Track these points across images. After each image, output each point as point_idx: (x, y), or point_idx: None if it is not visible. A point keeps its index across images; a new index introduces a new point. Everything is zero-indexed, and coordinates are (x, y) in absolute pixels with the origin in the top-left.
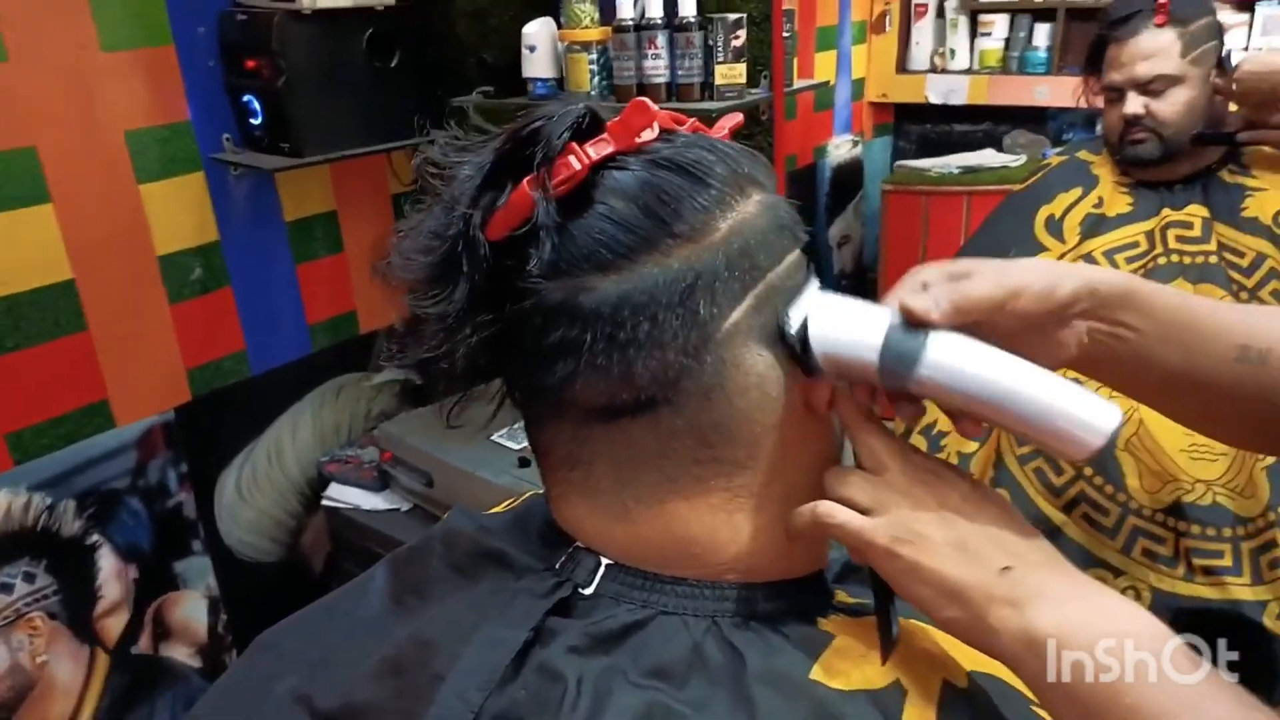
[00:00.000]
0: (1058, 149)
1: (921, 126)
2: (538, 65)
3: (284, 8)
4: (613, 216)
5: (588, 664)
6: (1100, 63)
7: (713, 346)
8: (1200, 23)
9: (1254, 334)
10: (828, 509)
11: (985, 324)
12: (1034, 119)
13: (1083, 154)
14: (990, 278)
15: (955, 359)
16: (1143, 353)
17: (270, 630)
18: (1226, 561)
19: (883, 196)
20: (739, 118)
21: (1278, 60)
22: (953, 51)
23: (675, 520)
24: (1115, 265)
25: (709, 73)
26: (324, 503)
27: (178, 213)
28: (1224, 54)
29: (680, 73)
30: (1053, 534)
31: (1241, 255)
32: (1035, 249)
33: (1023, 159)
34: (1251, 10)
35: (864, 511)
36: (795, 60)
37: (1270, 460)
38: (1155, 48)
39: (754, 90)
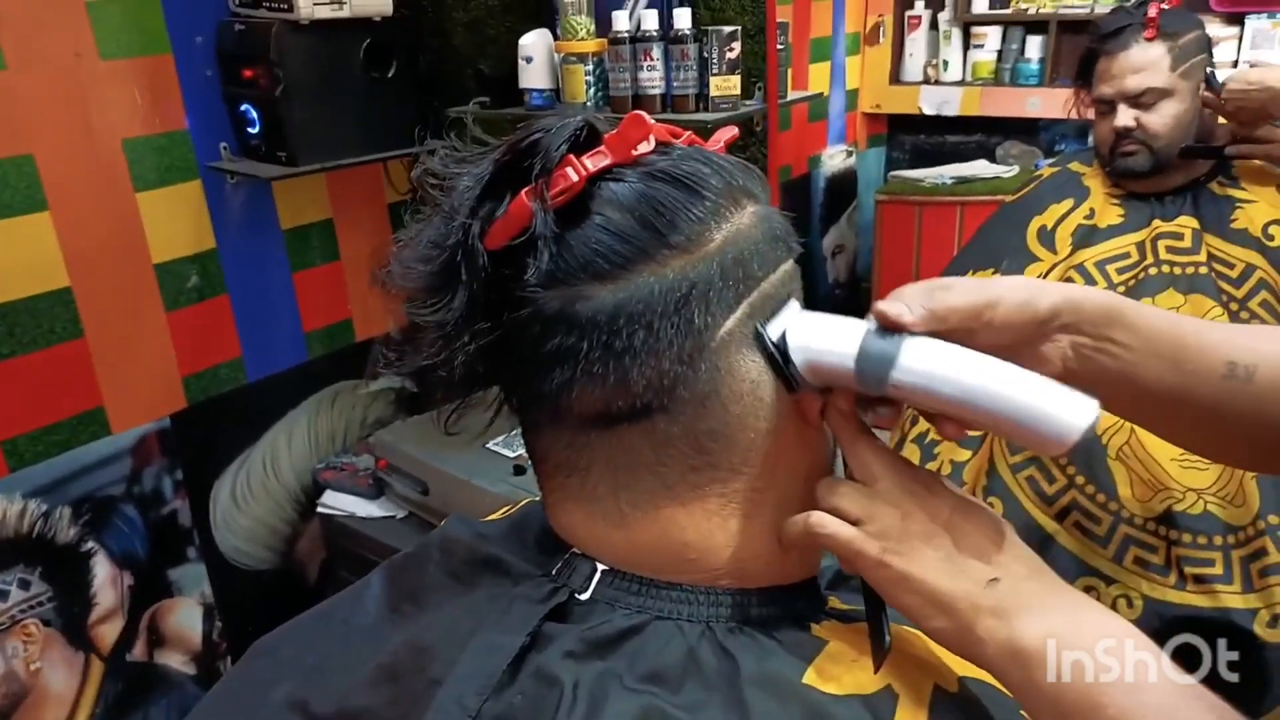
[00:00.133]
0: (1050, 160)
1: (915, 137)
2: (534, 76)
3: (282, 18)
4: (609, 227)
5: (583, 669)
6: (1091, 75)
7: (708, 354)
8: (1189, 37)
9: (1240, 352)
10: (819, 519)
11: (963, 334)
12: (1026, 130)
13: (1074, 165)
14: (969, 288)
15: (929, 361)
16: (1130, 370)
17: (266, 637)
18: (1217, 570)
19: (876, 207)
20: (734, 131)
21: (1265, 75)
22: (946, 63)
23: (671, 526)
24: (1107, 276)
25: (704, 84)
26: (319, 510)
27: (174, 221)
28: (1210, 70)
29: (675, 84)
30: (1045, 542)
31: (1231, 266)
32: (1028, 259)
33: (1015, 170)
34: (1241, 24)
35: (854, 522)
36: (789, 72)
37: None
38: (1145, 61)
39: (748, 102)
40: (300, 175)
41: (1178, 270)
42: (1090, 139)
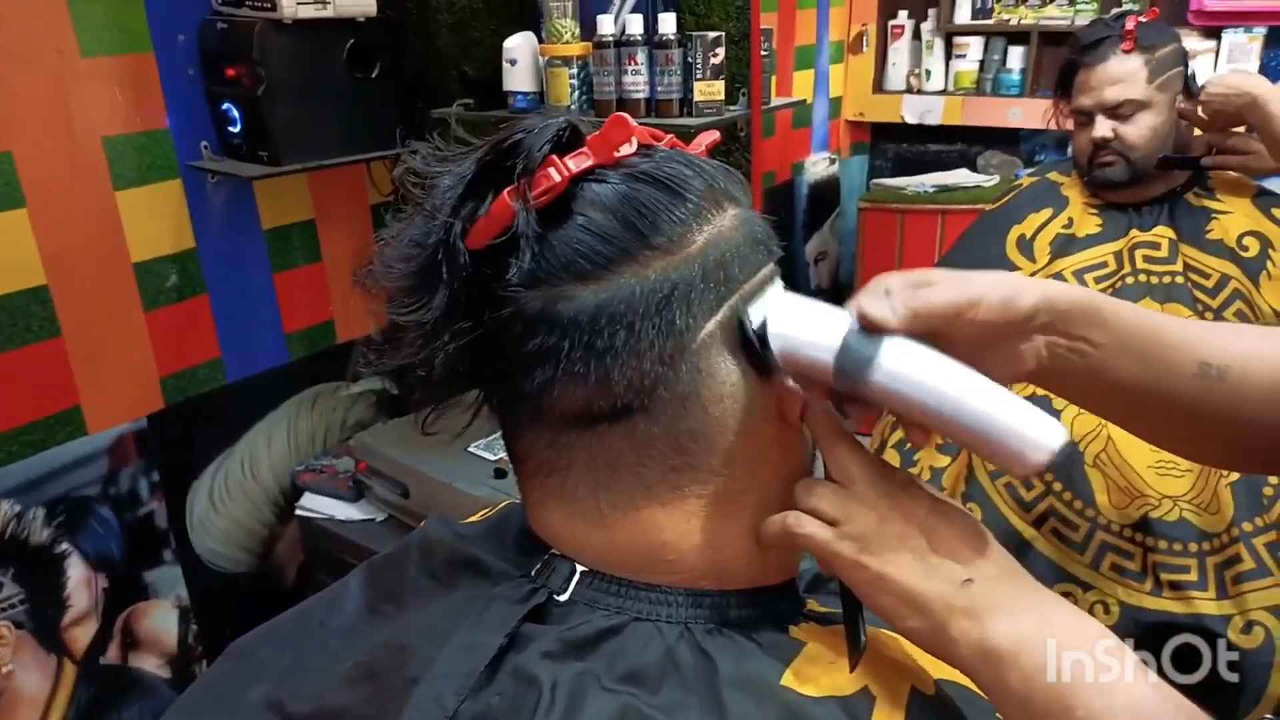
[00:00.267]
0: (1030, 170)
1: (897, 145)
2: (518, 79)
3: (265, 17)
4: (591, 228)
5: (562, 669)
6: (1070, 87)
7: (688, 356)
8: (1166, 49)
9: (1214, 350)
10: (796, 519)
11: (944, 333)
12: (1007, 140)
13: (1053, 175)
14: (951, 286)
15: (908, 366)
16: (1102, 369)
17: (243, 638)
18: (1192, 576)
19: (859, 214)
20: (716, 135)
21: (1241, 81)
22: (928, 72)
23: (650, 526)
24: (1084, 284)
25: (688, 89)
26: (298, 513)
27: (154, 220)
28: (1189, 75)
29: (660, 89)
30: (1022, 549)
31: (1207, 276)
32: (1007, 268)
33: (996, 179)
34: (1218, 37)
35: (832, 523)
36: (773, 78)
37: (1234, 477)
38: (1122, 73)
39: (732, 107)
40: (282, 175)
41: (1154, 279)
42: (1069, 149)
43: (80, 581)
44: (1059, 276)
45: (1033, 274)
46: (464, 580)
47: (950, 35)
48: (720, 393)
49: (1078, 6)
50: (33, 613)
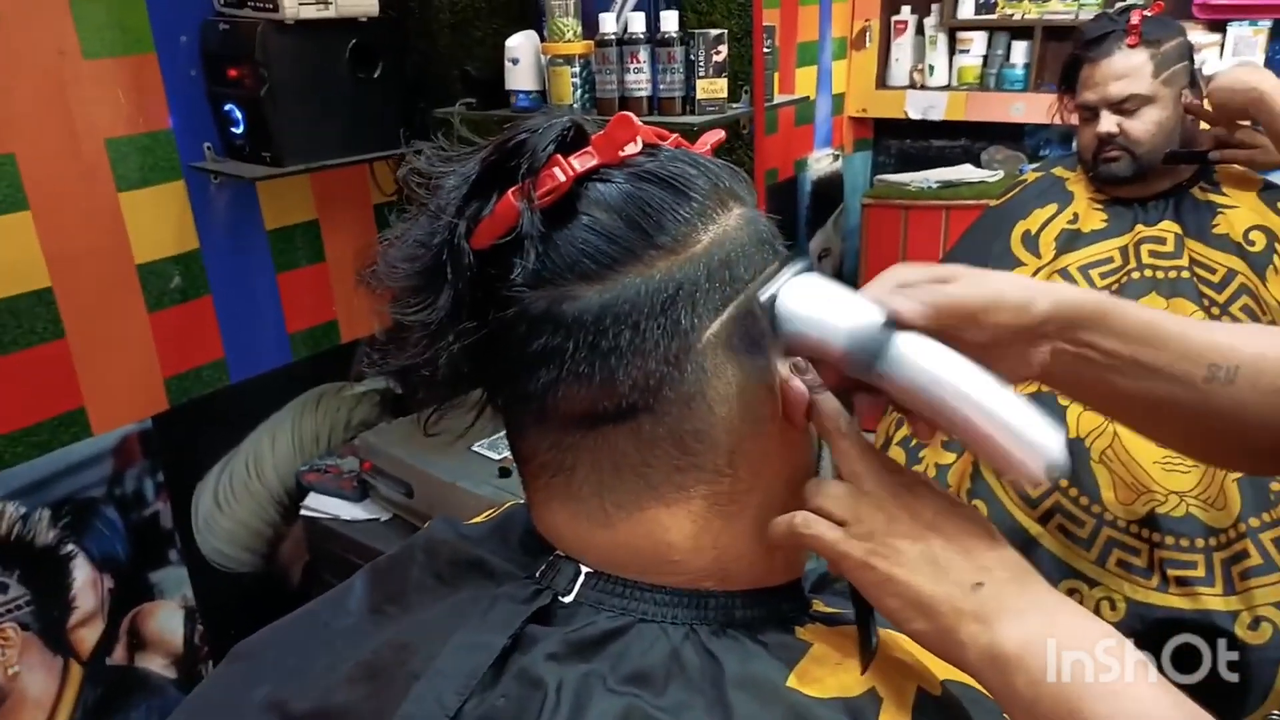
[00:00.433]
0: (1034, 165)
1: (901, 141)
2: (520, 78)
3: (267, 18)
4: (596, 227)
5: (567, 671)
6: (1075, 82)
7: (693, 356)
8: (1171, 44)
9: (1223, 353)
10: (804, 519)
11: (957, 331)
12: (1011, 135)
13: (1058, 170)
14: (970, 285)
15: (922, 358)
16: (1109, 373)
17: (247, 640)
18: (1199, 572)
19: (862, 210)
20: (721, 134)
21: (1248, 76)
22: (932, 68)
23: (655, 527)
24: (1090, 280)
25: (690, 87)
26: (303, 513)
27: (157, 221)
28: (1196, 69)
29: (662, 87)
30: (1028, 545)
31: (1213, 271)
32: (1012, 263)
33: (1000, 174)
34: (1223, 31)
35: (840, 523)
36: (776, 75)
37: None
38: (1128, 68)
39: (735, 105)
40: (285, 176)
41: (1160, 274)
42: (1074, 144)
43: (86, 583)
44: (1064, 272)
45: (1038, 270)
46: (468, 581)
47: (954, 30)
48: (726, 393)
49: (1081, 1)
50: (39, 614)
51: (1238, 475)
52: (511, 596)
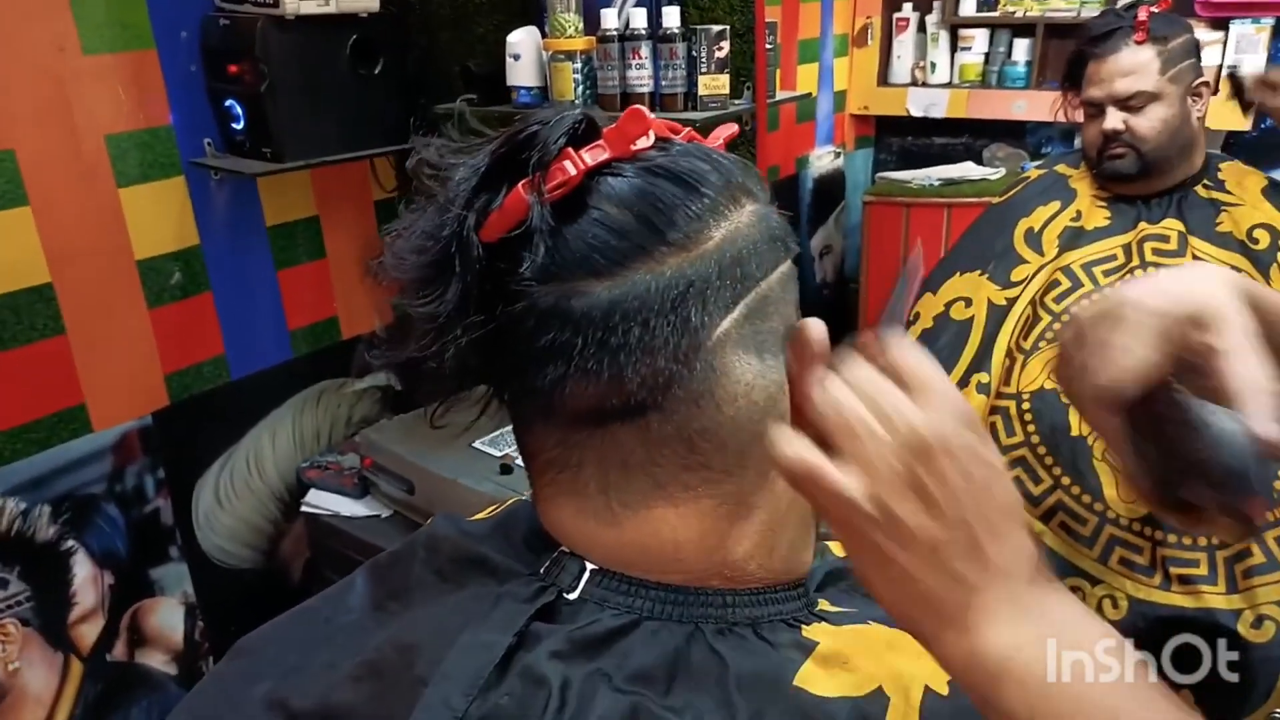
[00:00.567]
0: (1036, 162)
1: (902, 139)
2: (522, 74)
3: (267, 13)
4: (606, 222)
5: (571, 669)
6: (1080, 78)
7: (703, 354)
8: (1179, 41)
9: None
10: (820, 463)
11: None
12: (1013, 133)
13: (1061, 168)
14: None
15: None
16: None
17: (248, 636)
18: (1202, 570)
19: (864, 208)
20: (734, 128)
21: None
22: (933, 65)
23: (662, 525)
24: (1093, 277)
25: (692, 83)
26: (303, 509)
27: (158, 217)
28: (1233, 67)
29: (664, 83)
30: None
31: None
32: (1015, 261)
33: (1002, 172)
34: (1225, 28)
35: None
36: (778, 72)
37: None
38: (1135, 64)
39: (737, 101)
40: (285, 172)
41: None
42: (1076, 141)
43: (86, 579)
44: (1067, 270)
45: (1040, 267)
46: (471, 578)
47: (955, 28)
48: (735, 392)
49: None
50: (39, 610)
51: None
52: (515, 594)
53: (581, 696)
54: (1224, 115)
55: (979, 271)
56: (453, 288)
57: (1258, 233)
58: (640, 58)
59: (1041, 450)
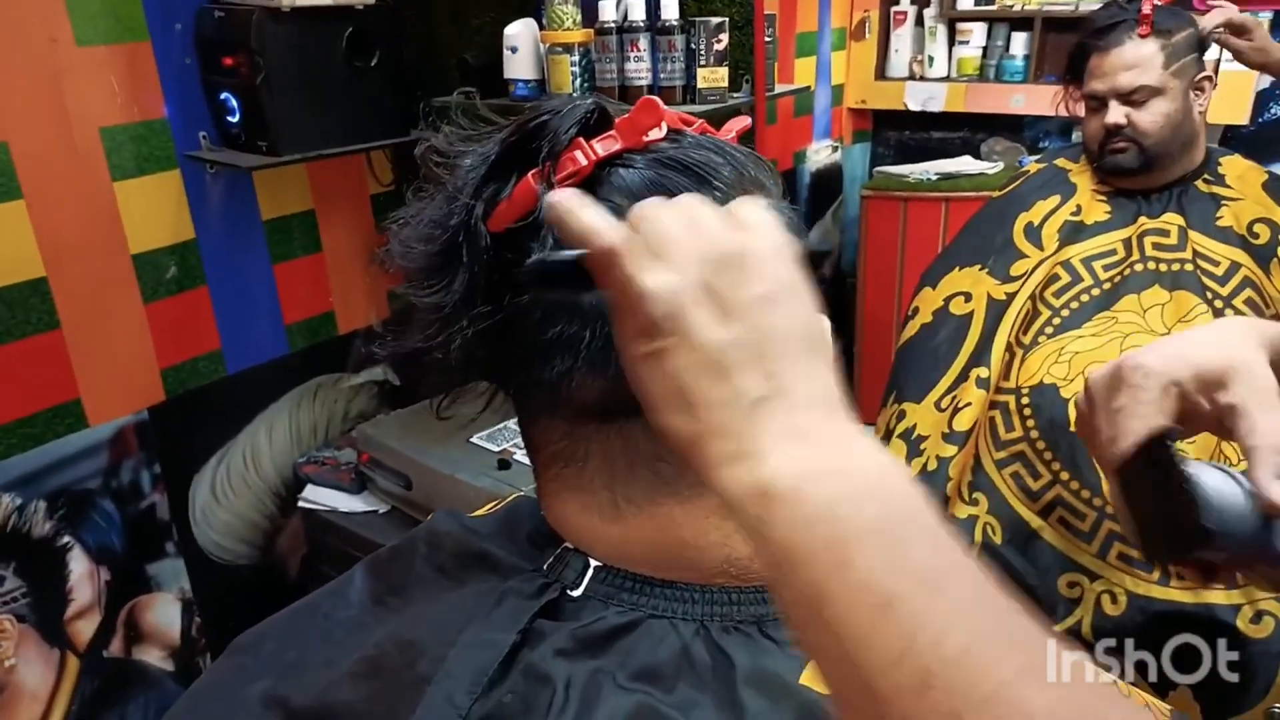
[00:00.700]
0: (1036, 156)
1: (900, 133)
2: (519, 66)
3: (263, 5)
4: (617, 214)
5: (575, 667)
6: (1081, 71)
7: None
8: (1182, 35)
9: None
10: (622, 252)
11: None
12: (1011, 127)
13: (1061, 162)
14: None
15: None
16: None
17: (246, 633)
18: None
19: (862, 202)
20: (746, 121)
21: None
22: (931, 59)
23: (668, 522)
24: (1093, 272)
25: (691, 76)
26: (300, 505)
27: (153, 211)
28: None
29: (662, 75)
30: (1029, 538)
31: (1216, 264)
32: (1014, 255)
33: (1000, 166)
34: None
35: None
36: (776, 65)
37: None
38: (1138, 58)
39: (736, 94)
40: (281, 165)
41: (1163, 267)
42: (1074, 135)
43: (83, 575)
44: (1067, 264)
45: (1040, 262)
46: (474, 574)
47: (953, 21)
48: None
49: None
50: (35, 606)
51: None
52: (519, 591)
53: (586, 694)
54: (1223, 109)
55: (978, 266)
56: (460, 278)
57: (1258, 227)
58: (639, 50)
59: (1041, 445)
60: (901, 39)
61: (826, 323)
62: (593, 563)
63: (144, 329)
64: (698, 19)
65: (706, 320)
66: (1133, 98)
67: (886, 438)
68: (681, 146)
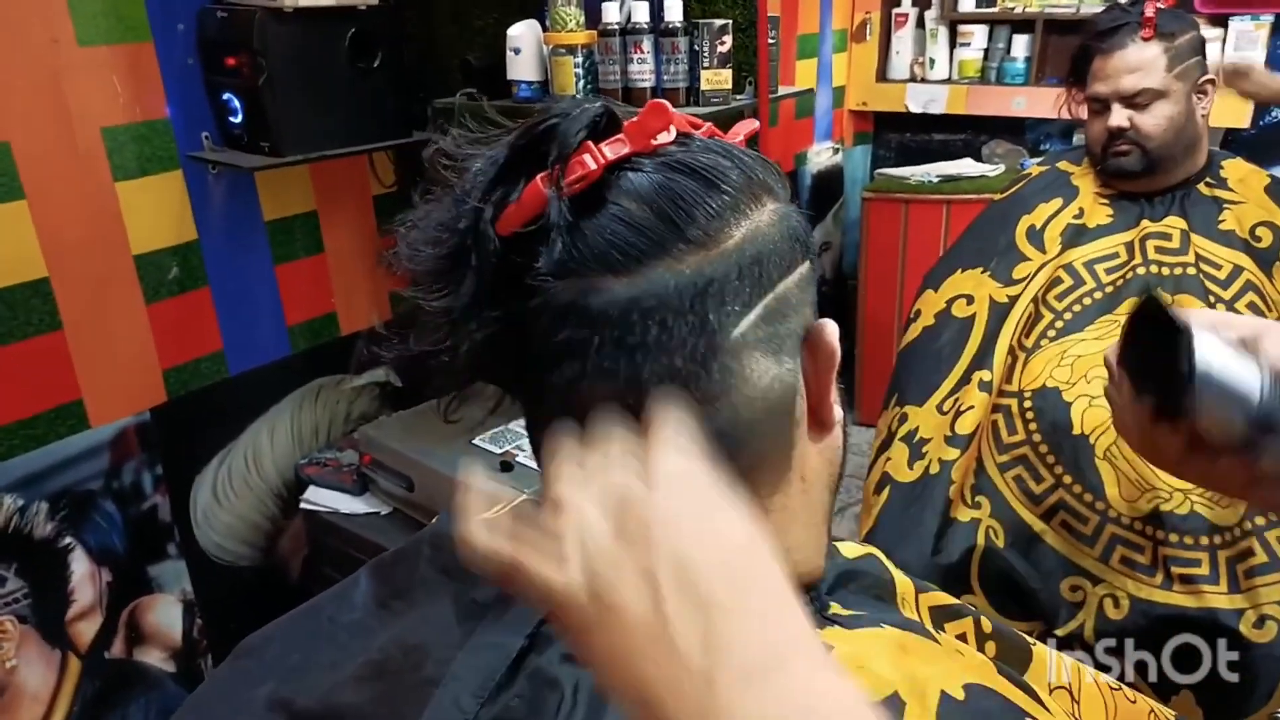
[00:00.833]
0: (1037, 159)
1: (901, 135)
2: (522, 68)
3: (265, 6)
4: (625, 218)
5: (583, 671)
6: (1084, 74)
7: (721, 355)
8: (1185, 38)
9: None
10: (515, 564)
11: None
12: (1011, 129)
13: (1063, 165)
14: None
15: None
16: None
17: (251, 636)
18: (1204, 570)
19: (863, 204)
20: (754, 124)
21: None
22: (932, 61)
23: None
24: (1095, 275)
25: (695, 78)
26: (302, 506)
27: (155, 211)
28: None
29: (666, 77)
30: (1032, 541)
31: (1218, 267)
32: (1017, 258)
33: (1001, 168)
34: (1224, 25)
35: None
36: (779, 67)
37: None
38: (1141, 61)
39: (739, 96)
40: (283, 166)
41: (1165, 271)
42: (1075, 138)
43: (84, 576)
44: (1069, 267)
45: (1042, 265)
46: (479, 578)
47: (954, 23)
48: (752, 394)
49: None
50: (37, 607)
51: None
52: None
53: (594, 700)
54: (1223, 112)
55: (980, 269)
56: (467, 281)
57: (1260, 231)
58: (642, 52)
59: (1043, 449)
60: (903, 41)
61: (758, 542)
62: None
63: (146, 330)
64: (701, 21)
65: (626, 586)
66: (1135, 101)
67: (888, 441)
68: (690, 150)
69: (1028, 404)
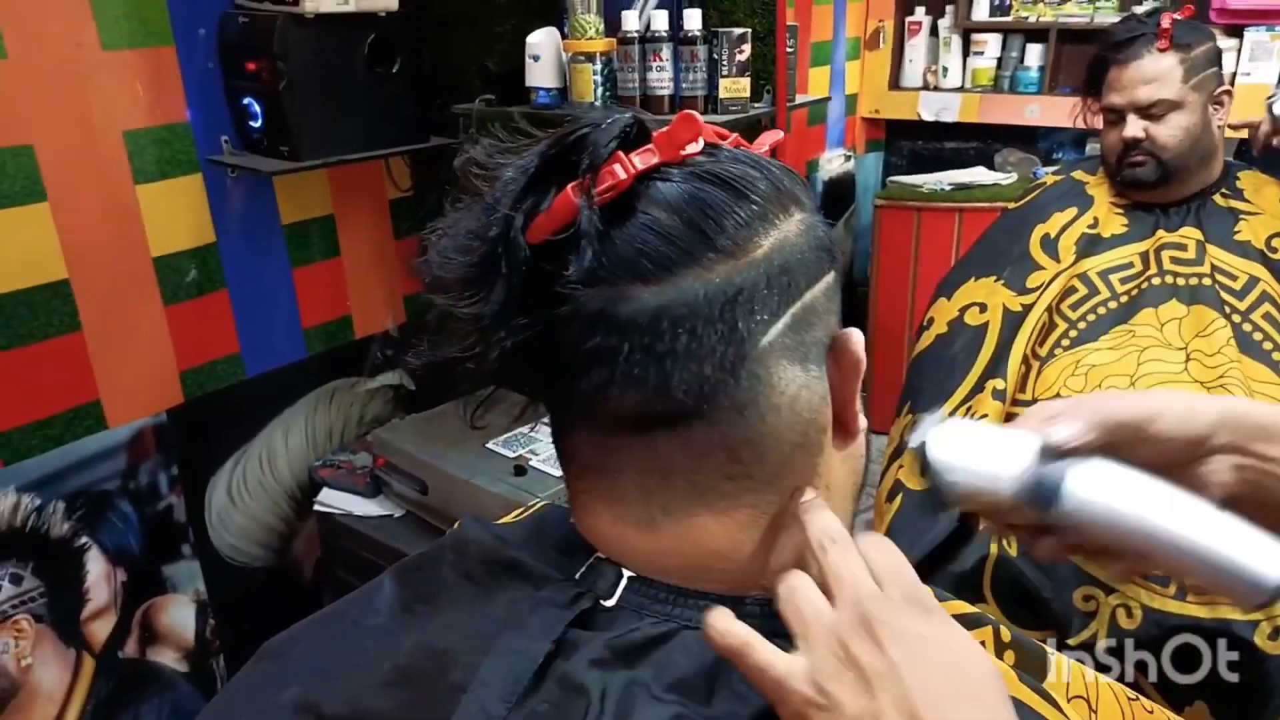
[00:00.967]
0: (1052, 168)
1: (913, 143)
2: (541, 74)
3: (286, 11)
4: (655, 227)
5: (610, 677)
6: (1100, 84)
7: (749, 363)
8: (1201, 49)
9: None
10: (749, 637)
11: (1124, 450)
12: (1024, 138)
13: (1078, 174)
14: (1128, 399)
15: (1101, 488)
16: None
17: (274, 639)
18: None
19: (875, 211)
20: (779, 135)
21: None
22: (945, 69)
23: (702, 534)
24: (1110, 285)
25: (713, 86)
26: (316, 508)
27: (174, 214)
28: (1271, 98)
29: (684, 85)
30: None
31: (1234, 278)
32: (1031, 267)
33: (1014, 177)
34: (1240, 36)
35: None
36: (796, 75)
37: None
38: (1157, 72)
39: (757, 104)
40: (302, 170)
41: (1181, 281)
42: (1088, 147)
43: (100, 575)
44: (1084, 277)
45: (1057, 274)
46: (504, 583)
47: (968, 32)
48: (779, 402)
49: (1096, 4)
50: (52, 606)
51: None
52: (552, 601)
53: (621, 706)
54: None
55: (994, 277)
56: (498, 289)
57: (1276, 241)
58: (661, 60)
59: None
60: (916, 49)
61: (972, 656)
62: (626, 573)
63: (164, 331)
64: (720, 30)
65: (850, 691)
66: (1151, 111)
67: (900, 450)
68: (718, 160)
69: None
